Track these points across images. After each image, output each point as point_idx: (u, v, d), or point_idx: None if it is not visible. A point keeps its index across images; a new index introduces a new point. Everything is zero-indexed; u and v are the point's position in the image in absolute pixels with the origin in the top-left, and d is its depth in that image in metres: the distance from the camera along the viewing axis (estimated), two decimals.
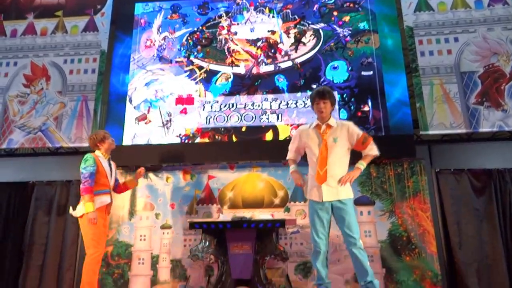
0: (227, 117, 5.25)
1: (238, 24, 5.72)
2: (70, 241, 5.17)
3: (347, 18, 5.50)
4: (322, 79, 5.29)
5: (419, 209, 4.79)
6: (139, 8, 5.97)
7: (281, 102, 5.24)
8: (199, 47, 5.65)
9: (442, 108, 5.07)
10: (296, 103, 5.22)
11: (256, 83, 5.39)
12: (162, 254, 4.96)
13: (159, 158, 5.18)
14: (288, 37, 5.55)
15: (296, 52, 5.45)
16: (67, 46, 5.92)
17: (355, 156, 3.64)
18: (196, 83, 5.47)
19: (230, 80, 5.44)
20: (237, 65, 5.49)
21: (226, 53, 5.56)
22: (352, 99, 5.13)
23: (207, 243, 4.24)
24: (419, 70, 5.21)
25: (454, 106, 5.05)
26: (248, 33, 5.66)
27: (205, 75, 5.49)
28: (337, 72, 5.29)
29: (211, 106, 5.32)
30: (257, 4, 5.78)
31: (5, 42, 6.08)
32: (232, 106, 5.30)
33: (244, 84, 5.40)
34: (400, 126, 4.91)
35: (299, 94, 5.26)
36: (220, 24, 5.74)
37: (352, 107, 5.11)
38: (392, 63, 5.19)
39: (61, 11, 6.14)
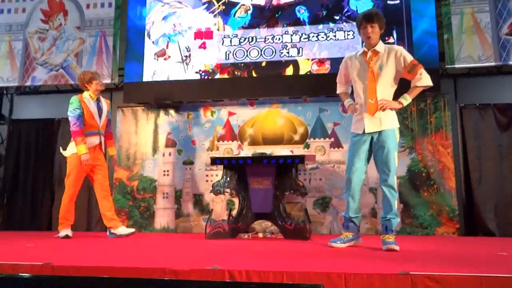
0: (247, 51, 5.14)
1: None
2: None
3: None
4: (346, 10, 5.06)
5: (440, 145, 4.75)
6: None
7: (302, 35, 5.08)
8: None
9: (471, 40, 4.83)
10: (317, 36, 5.05)
11: (276, 15, 5.20)
12: (185, 188, 5.15)
13: (179, 95, 5.19)
14: None
15: None
16: None
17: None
18: (215, 16, 5.32)
19: (249, 12, 5.25)
20: None
21: None
22: None
23: (228, 179, 4.34)
24: None
25: (485, 37, 4.81)
26: None
27: (224, 7, 5.31)
28: (361, 2, 5.03)
29: (230, 41, 5.21)
30: None
31: None
32: (252, 40, 5.16)
33: (264, 16, 5.22)
34: (425, 59, 4.66)
35: (320, 26, 5.06)
36: None
37: None
38: None
39: None
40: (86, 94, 4.23)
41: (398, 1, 4.96)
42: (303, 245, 3.44)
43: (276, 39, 5.12)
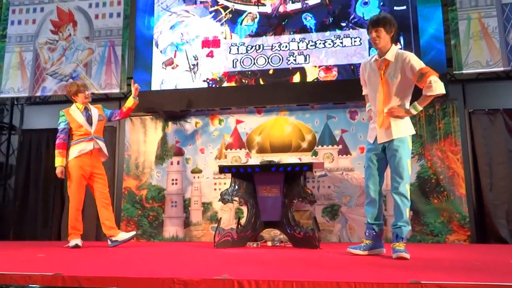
0: (254, 59, 5.16)
1: None
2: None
3: None
4: (352, 16, 5.07)
5: (450, 151, 4.72)
6: None
7: (308, 43, 5.09)
8: None
9: (478, 45, 4.81)
10: (324, 43, 5.06)
11: (283, 23, 5.22)
12: (194, 197, 5.16)
13: (187, 103, 5.22)
14: None
15: None
16: None
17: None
18: (222, 24, 5.35)
19: (256, 20, 5.29)
20: (263, 4, 5.31)
21: None
22: None
23: (237, 187, 4.33)
24: (456, 3, 4.91)
25: (492, 42, 4.79)
26: None
27: (231, 15, 5.35)
28: (368, 8, 5.04)
29: (237, 49, 5.24)
30: None
31: None
32: (259, 48, 5.19)
33: (271, 24, 5.25)
34: (433, 65, 4.56)
35: (327, 33, 5.08)
36: None
37: None
38: None
39: None
40: (73, 106, 4.39)
41: (404, 7, 4.96)
42: (312, 254, 3.42)
43: (283, 46, 5.14)
